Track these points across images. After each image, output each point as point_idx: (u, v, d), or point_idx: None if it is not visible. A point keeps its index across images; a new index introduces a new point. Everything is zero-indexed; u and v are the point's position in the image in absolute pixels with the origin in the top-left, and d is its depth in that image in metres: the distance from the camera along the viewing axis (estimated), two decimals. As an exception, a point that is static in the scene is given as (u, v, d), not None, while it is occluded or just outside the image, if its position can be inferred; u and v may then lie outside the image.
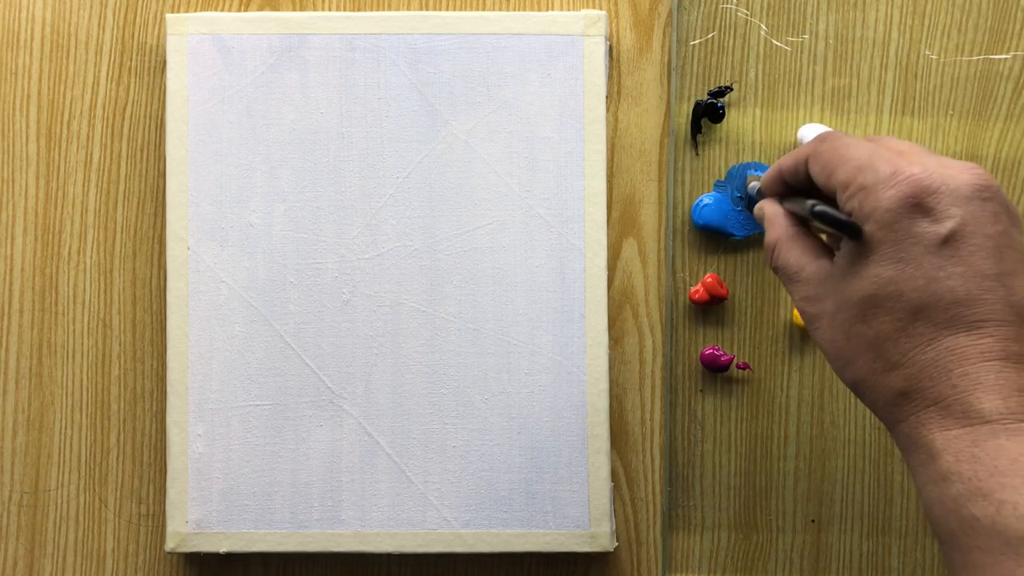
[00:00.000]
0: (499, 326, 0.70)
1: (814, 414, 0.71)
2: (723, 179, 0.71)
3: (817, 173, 0.52)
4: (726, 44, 0.72)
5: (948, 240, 0.47)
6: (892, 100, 0.72)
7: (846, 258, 0.50)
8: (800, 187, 0.56)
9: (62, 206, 0.73)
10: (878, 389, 0.48)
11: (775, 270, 0.55)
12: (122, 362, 0.73)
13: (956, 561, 0.46)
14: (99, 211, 0.73)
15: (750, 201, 0.70)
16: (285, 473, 0.70)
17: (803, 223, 0.56)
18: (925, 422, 0.47)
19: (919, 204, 0.47)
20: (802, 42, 0.72)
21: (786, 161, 0.56)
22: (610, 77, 0.72)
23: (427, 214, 0.70)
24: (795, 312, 0.71)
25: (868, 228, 0.48)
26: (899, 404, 0.48)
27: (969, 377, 0.46)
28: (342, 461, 0.70)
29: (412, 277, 0.70)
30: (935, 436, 0.46)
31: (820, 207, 0.50)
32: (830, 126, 0.71)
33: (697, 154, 0.72)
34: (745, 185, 0.70)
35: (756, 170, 0.71)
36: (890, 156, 0.49)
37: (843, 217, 0.50)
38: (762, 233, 0.71)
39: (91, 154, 0.73)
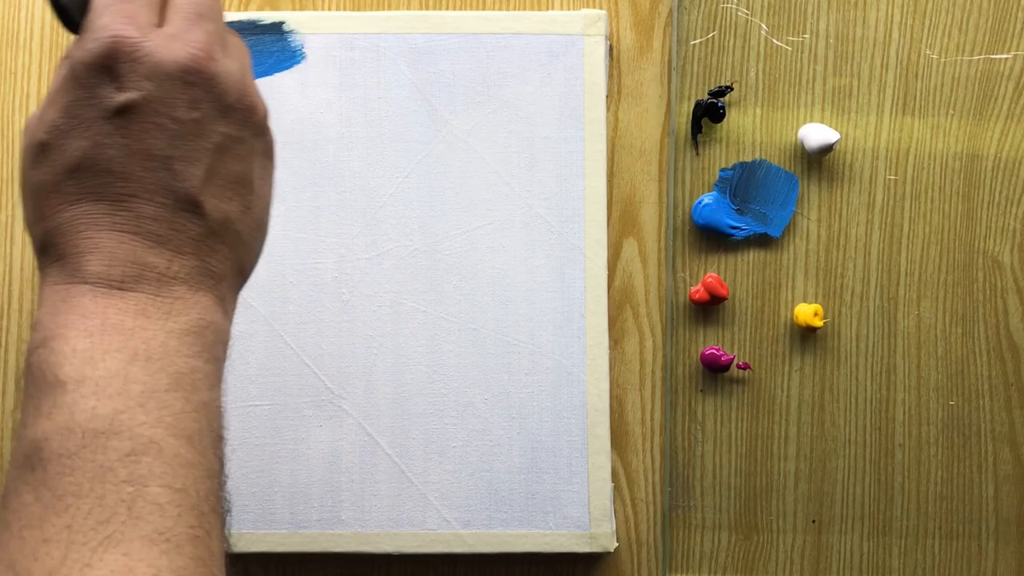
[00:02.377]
0: (499, 326, 0.70)
1: (814, 414, 0.71)
2: (721, 179, 0.71)
3: None
4: (726, 44, 0.72)
5: (123, 111, 0.46)
6: (893, 100, 0.71)
7: (48, 95, 0.48)
8: None
9: (62, 206, 0.73)
10: (32, 237, 0.48)
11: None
12: (122, 362, 0.72)
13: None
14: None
15: None
16: (285, 473, 0.70)
17: None
18: (48, 275, 0.47)
19: (110, 67, 0.46)
20: (803, 42, 0.72)
21: None
22: (610, 77, 0.72)
23: (427, 214, 0.70)
24: (795, 312, 0.71)
25: (64, 74, 0.47)
26: (40, 256, 0.48)
27: (91, 241, 0.46)
28: (342, 461, 0.69)
29: (412, 277, 0.70)
30: (46, 288, 0.47)
31: None
32: (831, 126, 0.71)
33: (697, 154, 0.72)
34: None
35: None
36: (123, 8, 0.47)
37: (76, 16, 0.48)
38: (762, 234, 0.71)
39: (91, 154, 0.73)
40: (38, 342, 0.46)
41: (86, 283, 0.46)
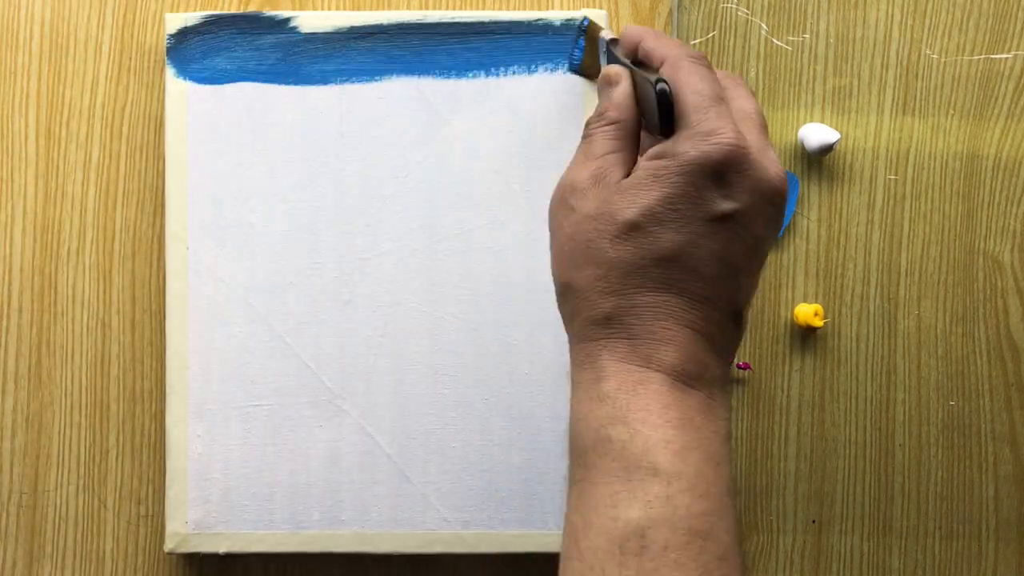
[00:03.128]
0: (499, 326, 0.70)
1: (814, 414, 0.71)
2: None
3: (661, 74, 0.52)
4: (727, 43, 0.72)
5: (724, 218, 0.48)
6: (893, 100, 0.71)
7: (634, 180, 0.50)
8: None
9: (61, 206, 0.73)
10: (588, 304, 0.50)
11: (586, 135, 0.54)
12: (121, 362, 0.72)
13: (576, 476, 0.48)
14: (98, 211, 0.72)
15: (591, 52, 0.66)
16: (285, 473, 0.69)
17: None
18: (611, 348, 0.49)
19: (723, 173, 0.48)
20: (803, 41, 0.72)
21: (650, 41, 0.55)
22: (610, 77, 0.72)
23: (427, 214, 0.70)
24: (795, 312, 0.71)
25: (668, 164, 0.49)
26: (598, 325, 0.49)
27: (668, 332, 0.48)
28: (342, 461, 0.69)
29: (412, 277, 0.70)
30: (609, 362, 0.49)
31: (668, 87, 0.50)
32: (831, 126, 0.71)
33: (697, 154, 0.72)
34: (590, 39, 0.66)
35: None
36: (726, 114, 0.50)
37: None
38: (763, 233, 0.71)
39: (90, 154, 0.73)
40: (614, 417, 0.48)
41: (661, 372, 0.48)
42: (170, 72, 0.70)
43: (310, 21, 0.71)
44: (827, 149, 0.70)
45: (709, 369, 0.49)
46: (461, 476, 0.69)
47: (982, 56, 0.71)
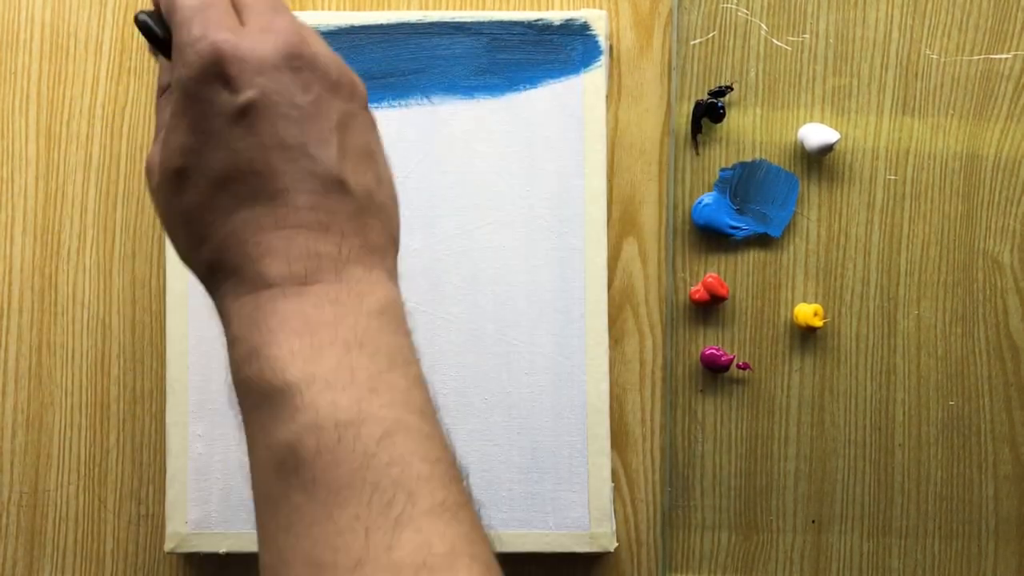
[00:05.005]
0: (499, 326, 0.70)
1: (814, 414, 0.71)
2: (721, 179, 0.71)
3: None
4: (726, 44, 0.72)
5: (246, 111, 0.46)
6: (893, 100, 0.71)
7: (167, 125, 0.48)
8: None
9: (61, 206, 0.73)
10: (195, 264, 0.48)
11: (156, 111, 0.52)
12: (121, 362, 0.72)
13: (240, 422, 0.47)
14: (98, 211, 0.73)
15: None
16: (285, 473, 0.69)
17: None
18: (226, 293, 0.47)
19: (220, 73, 0.46)
20: (802, 42, 0.72)
21: None
22: (610, 77, 0.72)
23: (427, 214, 0.70)
24: (795, 312, 0.71)
25: (177, 96, 0.47)
26: (209, 278, 0.48)
27: (261, 246, 0.46)
28: (342, 461, 0.69)
29: (412, 277, 0.70)
30: (230, 304, 0.47)
31: (143, 15, 0.49)
32: (831, 126, 0.71)
33: (697, 154, 0.72)
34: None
35: None
36: (208, 16, 0.47)
37: (160, 34, 0.48)
38: (762, 234, 0.71)
39: (90, 154, 0.73)
40: (244, 355, 0.46)
41: (273, 286, 0.46)
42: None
43: (310, 21, 0.71)
44: (827, 149, 0.70)
45: (328, 255, 0.46)
46: (461, 476, 0.69)
47: (982, 56, 0.71)
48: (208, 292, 0.48)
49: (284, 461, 0.44)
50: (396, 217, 0.50)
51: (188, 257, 0.49)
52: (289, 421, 0.44)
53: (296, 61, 0.47)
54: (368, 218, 0.48)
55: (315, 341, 0.45)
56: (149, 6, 0.51)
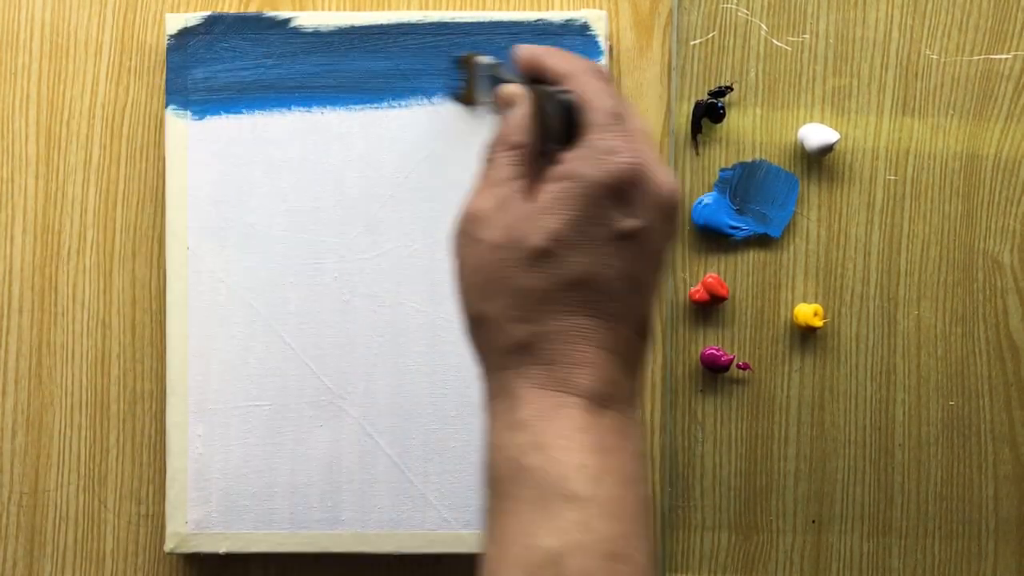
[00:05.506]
0: (499, 326, 0.70)
1: (814, 414, 0.71)
2: (721, 179, 0.71)
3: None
4: (726, 44, 0.72)
5: (628, 236, 0.48)
6: (893, 100, 0.71)
7: (538, 205, 0.49)
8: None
9: (61, 206, 0.73)
10: (502, 333, 0.49)
11: (486, 160, 0.53)
12: (121, 362, 0.72)
13: (492, 505, 0.48)
14: (98, 211, 0.73)
15: (476, 82, 0.64)
16: (285, 474, 0.69)
17: None
18: (528, 376, 0.48)
19: (624, 191, 0.48)
20: (802, 42, 0.72)
21: (551, 58, 0.54)
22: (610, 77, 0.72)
23: (427, 214, 0.70)
24: (795, 312, 0.71)
25: (570, 186, 0.48)
26: (513, 353, 0.49)
27: (583, 355, 0.48)
28: (342, 461, 0.69)
29: (412, 277, 0.70)
30: (526, 390, 0.48)
31: (568, 97, 0.50)
32: (831, 126, 0.71)
33: (697, 154, 0.72)
34: (468, 66, 0.65)
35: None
36: (625, 132, 0.49)
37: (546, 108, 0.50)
38: (762, 234, 0.71)
39: (90, 154, 0.73)
40: (532, 445, 0.47)
41: (578, 395, 0.48)
42: (171, 109, 0.70)
43: (311, 21, 0.71)
44: (827, 149, 0.70)
45: (622, 388, 0.49)
46: (461, 476, 0.69)
47: (982, 56, 0.71)
48: (490, 363, 0.50)
49: (543, 566, 0.45)
50: None
51: (492, 326, 0.50)
52: (561, 532, 0.45)
53: (674, 211, 0.50)
54: (645, 361, 0.51)
55: (602, 464, 0.47)
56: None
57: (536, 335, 0.48)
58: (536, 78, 0.54)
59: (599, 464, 0.47)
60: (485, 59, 0.62)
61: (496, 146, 0.52)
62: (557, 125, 0.51)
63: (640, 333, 0.50)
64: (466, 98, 0.66)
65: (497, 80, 0.58)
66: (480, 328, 0.50)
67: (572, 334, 0.48)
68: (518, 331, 0.49)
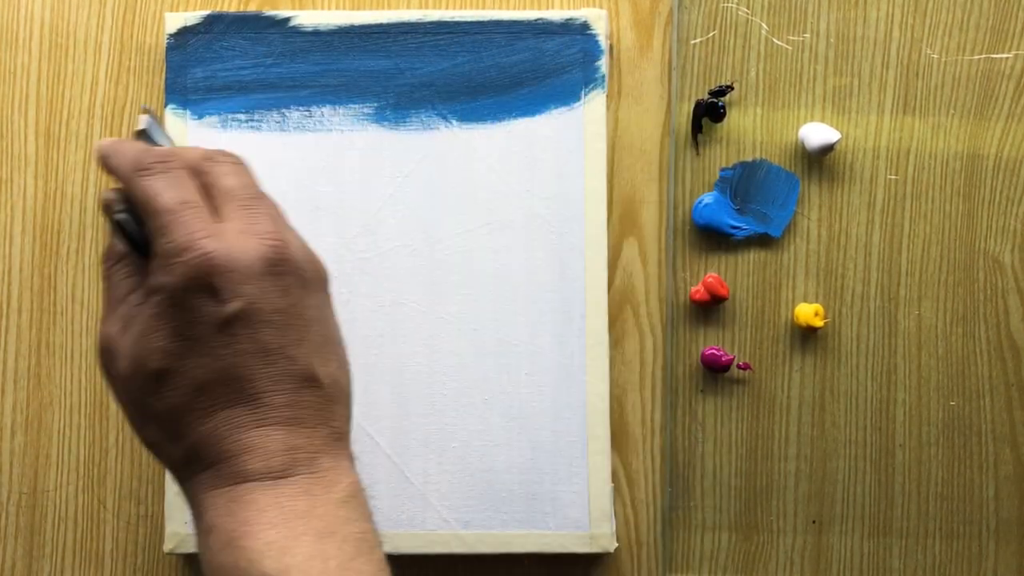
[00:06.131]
0: (499, 326, 0.70)
1: (815, 414, 0.71)
2: (722, 179, 0.71)
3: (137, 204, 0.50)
4: (727, 43, 0.72)
5: (232, 320, 0.48)
6: (893, 99, 0.71)
7: (146, 322, 0.49)
8: None
9: (61, 206, 0.73)
10: (166, 455, 0.50)
11: (106, 275, 0.52)
12: (121, 362, 0.72)
13: None
14: (98, 211, 0.72)
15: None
16: (284, 473, 0.69)
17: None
18: (201, 483, 0.48)
19: (207, 284, 0.47)
20: (803, 41, 0.72)
21: (111, 159, 0.52)
22: (610, 76, 0.72)
23: (427, 214, 0.70)
24: (795, 312, 0.71)
25: (159, 300, 0.48)
26: (183, 468, 0.49)
27: (240, 443, 0.48)
28: (342, 461, 0.69)
29: (412, 277, 0.70)
30: (204, 496, 0.48)
31: (120, 214, 0.50)
32: (831, 125, 0.71)
33: (698, 154, 0.72)
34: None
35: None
36: (188, 221, 0.48)
37: (134, 233, 0.50)
38: (762, 234, 0.71)
39: (90, 154, 0.73)
40: (221, 544, 0.47)
41: (250, 481, 0.48)
42: (170, 108, 0.70)
43: (310, 20, 0.70)
44: (827, 149, 0.70)
45: (302, 448, 0.48)
46: (461, 476, 0.69)
47: (982, 56, 0.71)
48: (177, 479, 0.50)
49: None
50: (351, 396, 0.52)
51: (159, 449, 0.50)
52: None
53: (278, 267, 0.49)
54: (334, 406, 0.50)
55: (289, 532, 0.47)
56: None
57: (189, 447, 0.48)
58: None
59: (285, 534, 0.46)
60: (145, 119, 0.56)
61: (107, 260, 0.52)
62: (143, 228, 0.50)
63: (306, 386, 0.49)
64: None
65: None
66: (153, 451, 0.51)
67: (222, 429, 0.48)
68: (176, 450, 0.49)
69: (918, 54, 0.71)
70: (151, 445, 0.51)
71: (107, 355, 0.50)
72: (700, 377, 0.71)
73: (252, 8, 0.73)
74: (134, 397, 0.50)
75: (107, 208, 0.52)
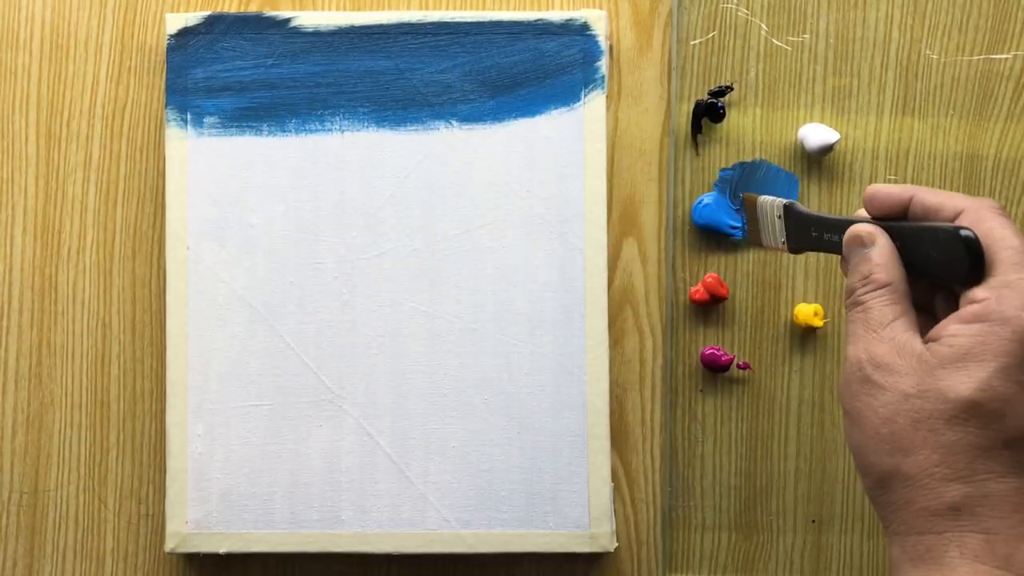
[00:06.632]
0: (499, 326, 0.70)
1: (814, 414, 0.71)
2: (721, 179, 0.71)
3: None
4: (727, 43, 0.72)
5: None
6: (893, 100, 0.71)
7: (956, 349, 0.45)
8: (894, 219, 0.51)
9: (61, 206, 0.73)
10: (927, 492, 0.45)
11: (856, 304, 0.49)
12: (122, 362, 0.72)
13: None
14: (99, 211, 0.73)
15: (761, 222, 0.62)
16: (284, 473, 0.69)
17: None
18: (962, 544, 0.44)
19: None
20: (803, 42, 0.72)
21: (932, 195, 0.50)
22: (610, 77, 0.72)
23: (427, 214, 0.70)
24: (795, 312, 0.71)
25: (1002, 333, 0.45)
26: (942, 517, 0.45)
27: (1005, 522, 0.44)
28: (342, 461, 0.69)
29: (412, 277, 0.70)
30: (962, 562, 0.44)
31: (973, 234, 0.46)
32: (831, 126, 0.71)
33: (697, 154, 0.72)
34: (750, 206, 0.63)
35: (761, 190, 0.67)
36: None
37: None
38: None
39: (91, 154, 0.73)
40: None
41: (1009, 571, 0.44)
42: (170, 109, 0.70)
43: (311, 21, 0.71)
44: (827, 149, 0.70)
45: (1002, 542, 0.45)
46: (461, 476, 0.69)
47: (982, 56, 0.71)
48: (920, 522, 0.46)
49: None
50: None
51: (920, 479, 0.46)
52: None
53: None
54: None
55: None
56: None
57: (971, 497, 0.44)
58: (888, 215, 0.50)
59: None
60: (770, 199, 0.59)
61: (862, 287, 0.49)
62: (939, 260, 0.47)
63: None
64: (751, 239, 0.63)
65: (815, 221, 0.55)
66: (894, 484, 0.46)
67: (1014, 500, 0.44)
68: (949, 491, 0.45)
69: (917, 55, 0.72)
70: (897, 476, 0.46)
71: (874, 368, 0.47)
72: (700, 377, 0.71)
73: (253, 9, 0.73)
74: (914, 417, 0.46)
75: (919, 229, 0.48)
